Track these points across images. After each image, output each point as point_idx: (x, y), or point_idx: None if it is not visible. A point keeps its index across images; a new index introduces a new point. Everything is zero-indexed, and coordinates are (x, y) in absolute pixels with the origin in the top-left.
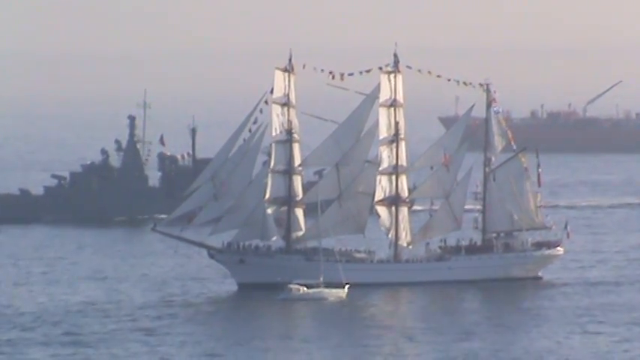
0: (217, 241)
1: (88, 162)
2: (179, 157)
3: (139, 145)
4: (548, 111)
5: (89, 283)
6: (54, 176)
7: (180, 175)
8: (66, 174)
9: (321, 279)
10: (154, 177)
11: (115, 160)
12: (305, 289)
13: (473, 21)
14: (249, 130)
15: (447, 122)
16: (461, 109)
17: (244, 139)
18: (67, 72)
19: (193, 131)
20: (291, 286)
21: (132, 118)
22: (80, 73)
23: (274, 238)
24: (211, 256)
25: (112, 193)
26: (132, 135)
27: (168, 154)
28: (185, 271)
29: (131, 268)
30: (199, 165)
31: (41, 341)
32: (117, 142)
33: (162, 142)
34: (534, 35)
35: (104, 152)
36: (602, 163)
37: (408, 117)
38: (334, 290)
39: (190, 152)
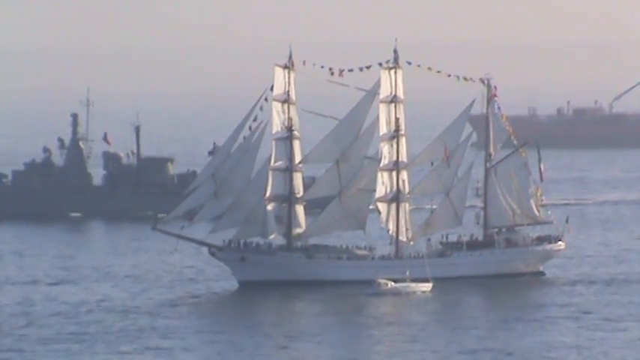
0: (218, 239)
1: (29, 160)
2: (123, 155)
3: (82, 143)
4: (574, 108)
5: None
6: None
7: (124, 174)
8: (8, 172)
9: (408, 273)
10: (98, 175)
11: (58, 159)
12: (392, 283)
13: (494, 15)
14: (250, 128)
15: (474, 119)
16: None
17: (244, 137)
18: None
19: (137, 129)
20: (379, 280)
21: (74, 116)
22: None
23: (273, 236)
24: (212, 254)
25: (53, 192)
26: (75, 133)
27: (112, 152)
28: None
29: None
30: (144, 164)
31: (50, 339)
32: (59, 139)
33: (106, 140)
34: (561, 31)
35: (46, 150)
36: (628, 159)
37: (431, 113)
38: (420, 285)
39: (135, 150)
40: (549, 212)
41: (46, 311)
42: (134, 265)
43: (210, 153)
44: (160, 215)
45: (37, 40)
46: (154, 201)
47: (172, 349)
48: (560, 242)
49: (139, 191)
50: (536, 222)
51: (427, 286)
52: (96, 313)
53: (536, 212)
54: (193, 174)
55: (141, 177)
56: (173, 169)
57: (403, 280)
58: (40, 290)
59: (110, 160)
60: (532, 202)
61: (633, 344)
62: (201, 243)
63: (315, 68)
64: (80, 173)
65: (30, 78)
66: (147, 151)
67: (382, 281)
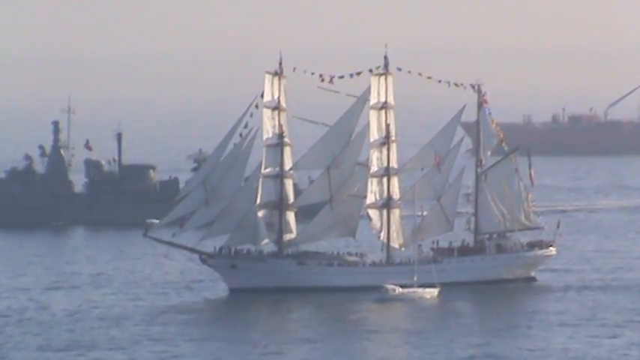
0: (209, 246)
1: (10, 167)
2: (104, 162)
3: (63, 151)
4: (569, 115)
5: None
6: None
7: (105, 181)
8: None
9: (415, 279)
10: (80, 183)
11: (39, 166)
12: (400, 289)
13: (488, 22)
14: (240, 135)
15: (468, 127)
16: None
17: (235, 144)
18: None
19: (119, 136)
20: (387, 286)
21: (56, 123)
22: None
23: (266, 241)
24: (203, 262)
25: (35, 200)
26: (56, 140)
27: (93, 159)
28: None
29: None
30: (126, 171)
31: (42, 346)
32: (41, 147)
33: (88, 147)
34: (555, 38)
35: (27, 158)
36: (623, 166)
37: (422, 120)
38: (427, 290)
39: (116, 158)
40: (540, 218)
41: (39, 319)
42: (125, 273)
43: (194, 159)
44: (149, 221)
45: (17, 47)
46: (136, 208)
47: (165, 357)
48: (551, 248)
49: (120, 199)
50: (527, 228)
51: (434, 292)
52: (88, 320)
53: (526, 218)
54: (175, 181)
55: (122, 184)
56: (155, 177)
57: (410, 286)
58: (31, 298)
59: (92, 167)
60: (523, 208)
61: (627, 350)
62: (192, 250)
63: (306, 75)
64: (62, 181)
65: (10, 85)
66: (131, 159)
67: (390, 287)
